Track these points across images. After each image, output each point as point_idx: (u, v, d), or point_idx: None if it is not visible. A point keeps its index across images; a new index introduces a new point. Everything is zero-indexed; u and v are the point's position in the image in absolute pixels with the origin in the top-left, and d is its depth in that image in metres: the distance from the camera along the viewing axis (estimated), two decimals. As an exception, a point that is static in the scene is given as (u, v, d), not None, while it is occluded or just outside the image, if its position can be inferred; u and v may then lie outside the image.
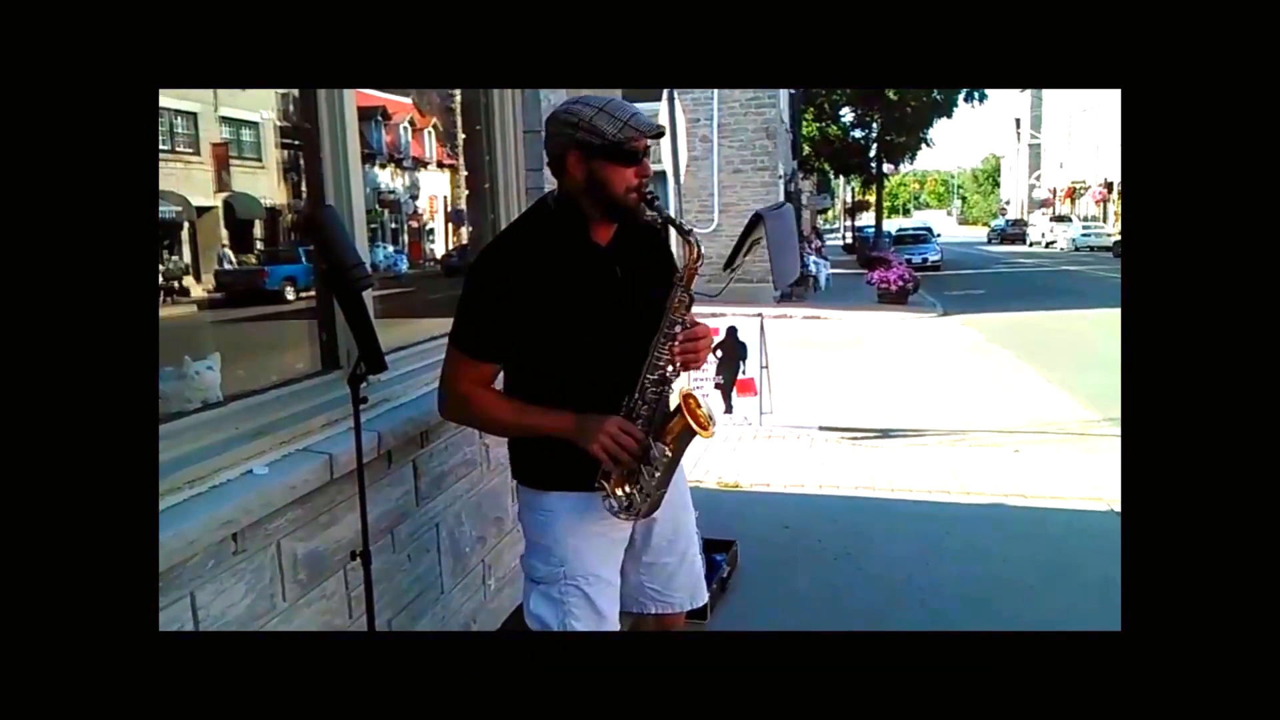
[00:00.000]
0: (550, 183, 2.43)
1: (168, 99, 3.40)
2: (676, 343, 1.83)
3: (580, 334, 1.82)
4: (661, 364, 1.83)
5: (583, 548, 1.90)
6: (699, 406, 1.84)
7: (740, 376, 6.66)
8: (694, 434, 1.83)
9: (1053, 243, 40.59)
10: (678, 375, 1.87)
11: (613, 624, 1.95)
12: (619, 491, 1.83)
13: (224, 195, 3.41)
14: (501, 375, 1.94)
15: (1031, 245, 43.55)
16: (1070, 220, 43.37)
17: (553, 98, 3.40)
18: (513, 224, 2.08)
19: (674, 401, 1.86)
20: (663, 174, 9.13)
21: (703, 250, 1.86)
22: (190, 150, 3.49)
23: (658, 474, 1.82)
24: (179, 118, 3.54)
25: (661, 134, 1.88)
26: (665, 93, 7.61)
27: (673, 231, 1.95)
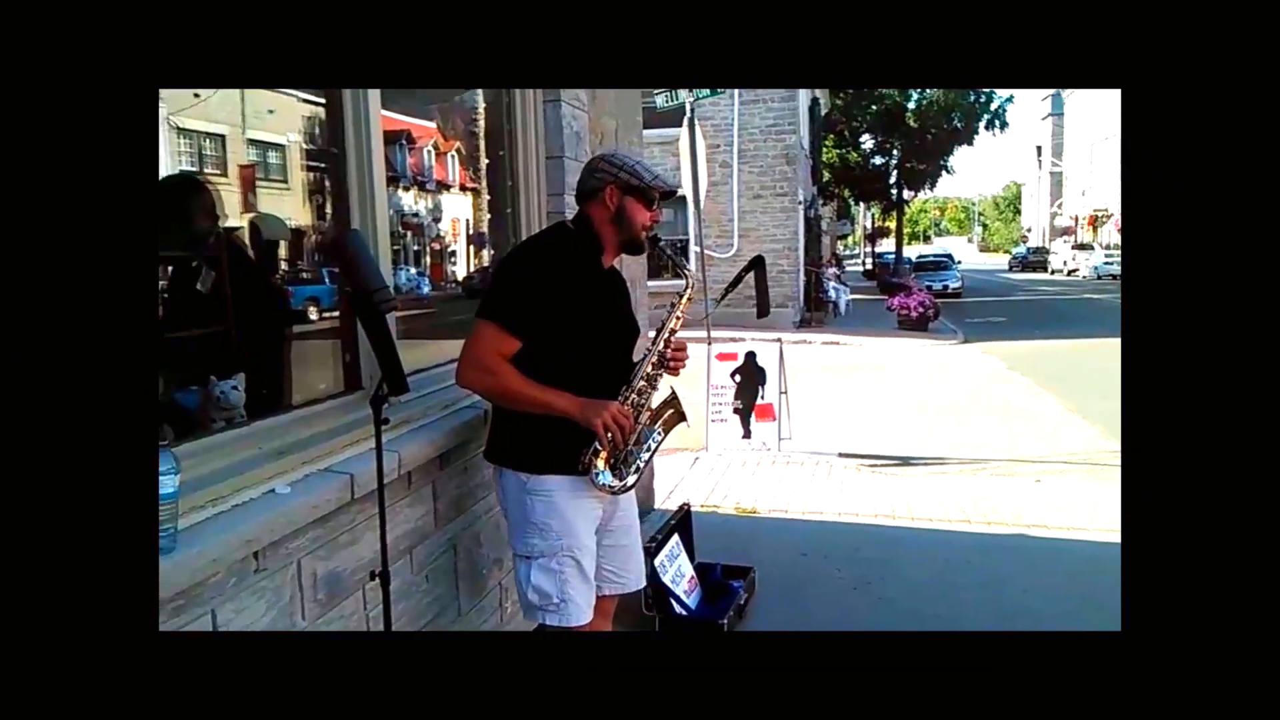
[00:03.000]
0: (570, 209, 2.46)
1: (197, 122, 3.46)
2: (669, 350, 2.26)
3: (586, 332, 2.18)
4: (654, 367, 2.24)
5: (576, 522, 2.19)
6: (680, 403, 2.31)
7: (759, 401, 6.65)
8: (681, 420, 2.31)
9: (1075, 271, 40.37)
10: (662, 378, 2.28)
11: (593, 587, 2.25)
12: (605, 467, 2.14)
13: (250, 216, 3.46)
14: None
15: (1053, 273, 43.33)
16: (1092, 248, 43.11)
17: (575, 125, 3.44)
18: (541, 234, 2.52)
19: (657, 399, 2.26)
20: (683, 199, 9.16)
21: (694, 282, 2.37)
22: (218, 172, 3.54)
23: (645, 455, 2.21)
24: (208, 140, 3.60)
25: (674, 194, 2.33)
26: (686, 119, 7.68)
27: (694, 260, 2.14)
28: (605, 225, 2.23)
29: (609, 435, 2.09)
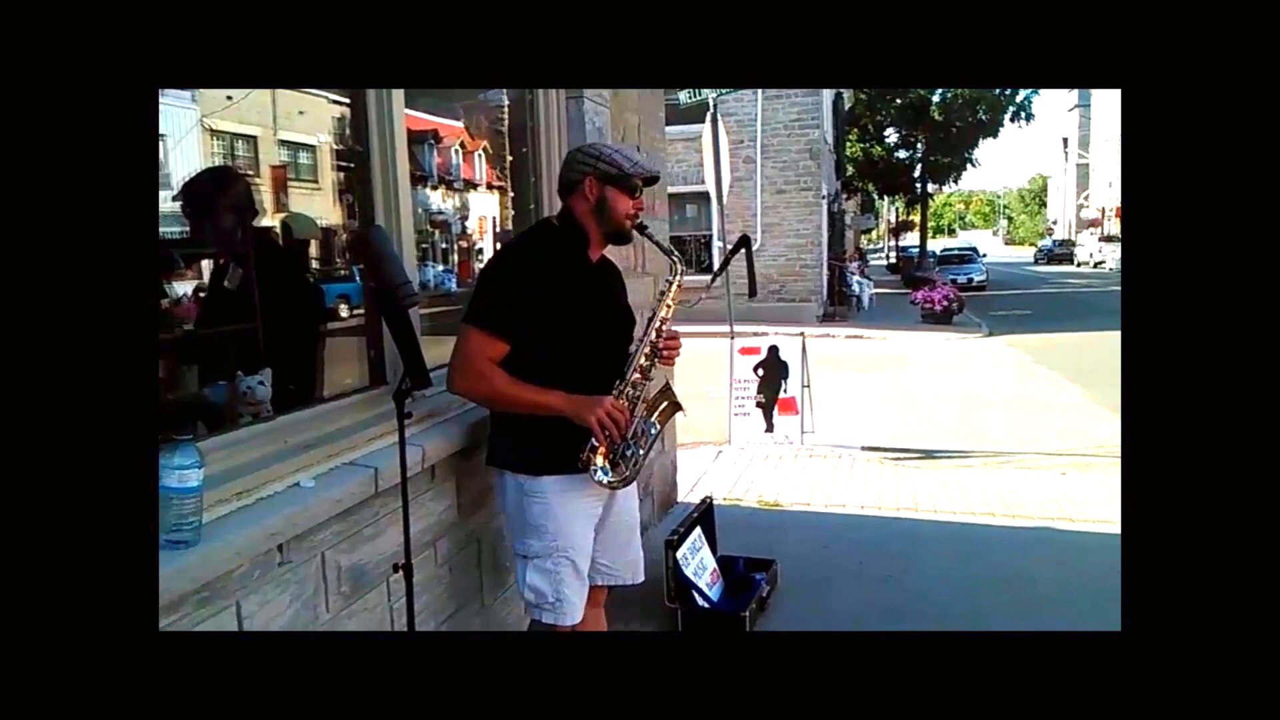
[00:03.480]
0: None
1: (229, 124, 3.52)
2: (662, 340, 2.23)
3: (575, 328, 2.16)
4: (647, 358, 2.22)
5: (571, 523, 2.20)
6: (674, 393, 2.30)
7: (782, 395, 6.63)
8: (677, 410, 2.31)
9: (1101, 263, 39.79)
10: (655, 368, 2.25)
11: (586, 584, 2.26)
12: (605, 464, 2.13)
13: (282, 215, 3.50)
14: None
15: (1079, 265, 42.75)
16: (1119, 240, 42.48)
17: (597, 121, 3.45)
18: (525, 233, 2.48)
19: (652, 390, 2.24)
20: (707, 194, 9.16)
21: (682, 270, 2.33)
22: (251, 172, 3.59)
23: (643, 448, 2.18)
24: (240, 141, 3.66)
25: (656, 179, 2.29)
26: (709, 114, 7.67)
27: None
28: (588, 217, 2.22)
29: (605, 432, 2.08)
